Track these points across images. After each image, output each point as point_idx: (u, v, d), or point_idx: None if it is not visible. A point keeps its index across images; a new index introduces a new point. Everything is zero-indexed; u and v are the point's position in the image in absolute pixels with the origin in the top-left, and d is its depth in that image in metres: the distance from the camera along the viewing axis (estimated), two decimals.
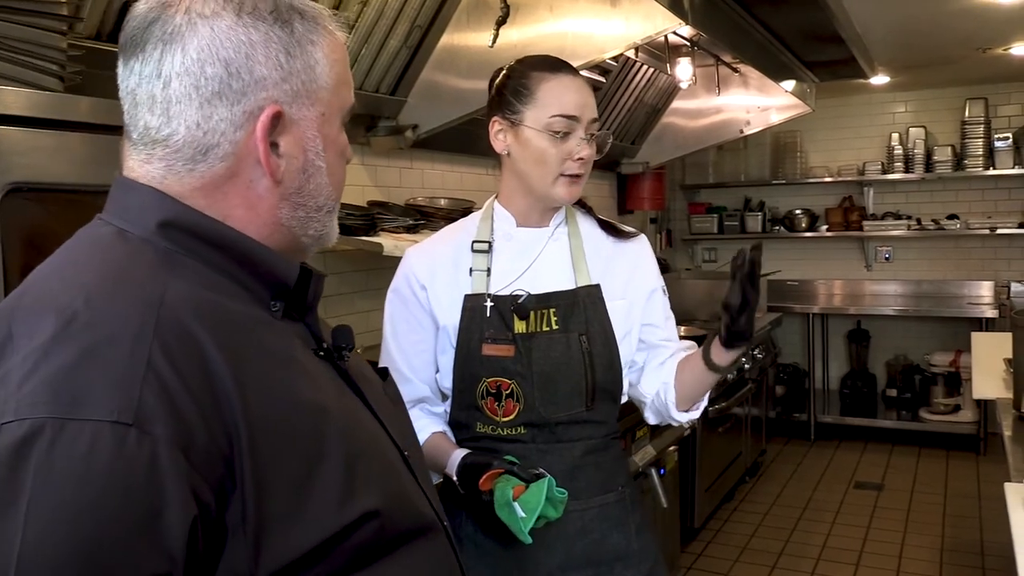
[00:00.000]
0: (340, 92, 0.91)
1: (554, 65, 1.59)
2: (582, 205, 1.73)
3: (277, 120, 0.84)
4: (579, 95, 1.56)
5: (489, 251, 1.63)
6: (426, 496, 0.95)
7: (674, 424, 1.74)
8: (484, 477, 1.44)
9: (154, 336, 0.72)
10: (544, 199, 1.61)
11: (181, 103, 0.81)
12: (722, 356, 1.58)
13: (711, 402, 4.10)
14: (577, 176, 1.57)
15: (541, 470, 1.45)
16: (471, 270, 1.62)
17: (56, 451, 0.66)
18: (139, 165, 0.85)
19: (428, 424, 1.62)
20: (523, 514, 1.38)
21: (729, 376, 4.32)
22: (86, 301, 0.74)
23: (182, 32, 0.81)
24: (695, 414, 1.71)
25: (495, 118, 1.60)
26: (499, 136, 1.59)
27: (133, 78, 0.83)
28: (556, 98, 1.54)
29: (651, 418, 1.74)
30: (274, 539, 0.74)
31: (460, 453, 1.54)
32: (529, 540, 1.39)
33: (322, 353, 0.91)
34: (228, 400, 0.74)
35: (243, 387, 0.75)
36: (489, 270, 1.61)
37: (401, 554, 0.86)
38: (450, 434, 1.64)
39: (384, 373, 1.06)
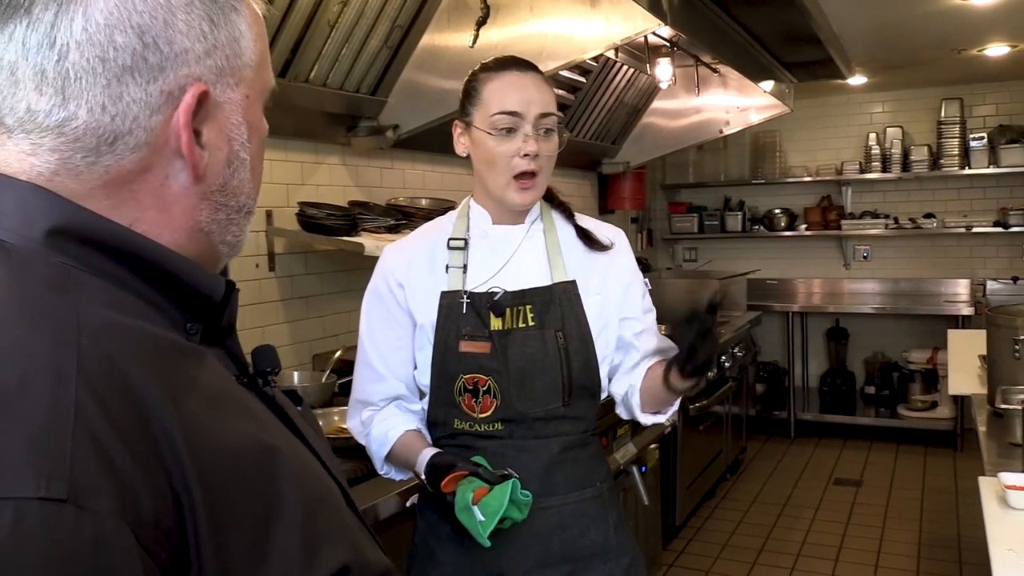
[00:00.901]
0: (262, 72, 0.77)
1: (503, 64, 1.61)
2: (563, 208, 1.73)
3: (202, 103, 0.69)
4: (521, 91, 1.57)
5: (465, 248, 1.64)
6: (374, 538, 0.83)
7: (644, 424, 1.75)
8: (447, 479, 1.44)
9: (78, 377, 0.57)
10: (501, 202, 1.62)
11: (82, 80, 0.64)
12: (680, 382, 1.54)
13: (692, 400, 4.14)
14: (528, 175, 1.57)
15: (509, 471, 1.45)
16: (447, 267, 1.63)
17: None
18: (19, 158, 0.66)
19: (401, 421, 1.63)
20: (482, 518, 1.38)
21: (710, 375, 4.34)
22: None
23: None
24: (660, 418, 1.71)
25: (455, 122, 1.64)
26: (460, 139, 1.63)
27: (13, 47, 0.64)
28: (498, 96, 1.56)
29: (623, 414, 1.76)
30: None
31: (429, 452, 1.54)
32: (488, 544, 1.38)
33: (245, 380, 0.78)
34: (174, 453, 0.59)
35: (187, 434, 0.60)
36: (465, 267, 1.63)
37: None
38: (424, 431, 1.64)
39: (297, 399, 0.90)
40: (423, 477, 1.52)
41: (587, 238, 1.70)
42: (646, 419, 1.70)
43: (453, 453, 1.55)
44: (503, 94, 1.56)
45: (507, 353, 1.57)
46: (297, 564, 0.66)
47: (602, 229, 1.75)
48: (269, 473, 0.67)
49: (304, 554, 0.66)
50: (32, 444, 0.53)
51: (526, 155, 1.55)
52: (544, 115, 1.57)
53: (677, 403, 1.70)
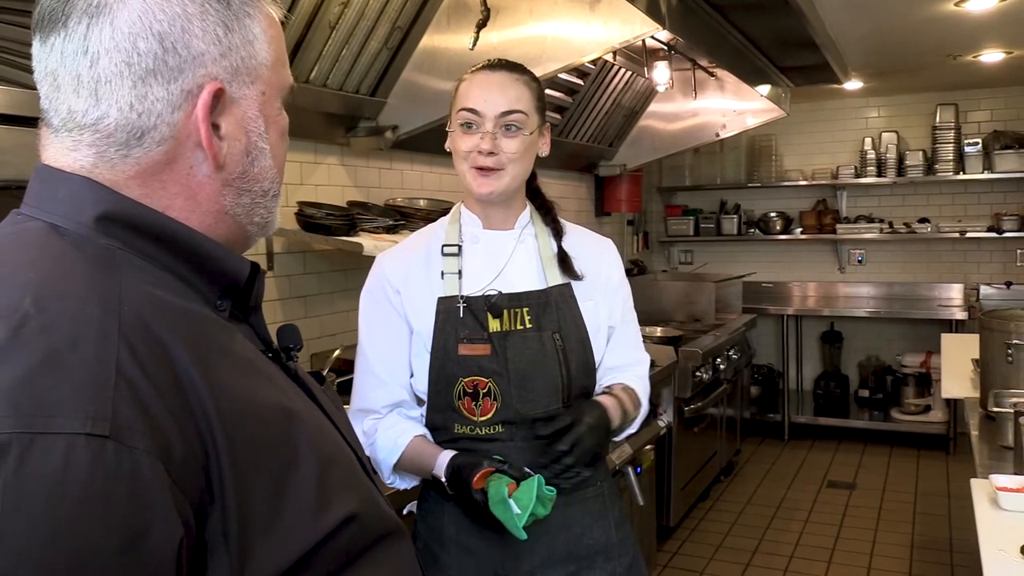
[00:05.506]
0: (279, 70, 0.85)
1: (481, 65, 1.64)
2: (552, 222, 1.73)
3: (218, 99, 0.77)
4: (482, 90, 1.59)
5: (459, 254, 1.65)
6: (385, 499, 0.92)
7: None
8: (477, 476, 1.46)
9: (119, 338, 0.66)
10: (469, 192, 1.64)
11: (111, 83, 0.73)
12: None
13: (686, 402, 4.16)
14: (485, 169, 1.59)
15: (528, 469, 1.47)
16: (443, 273, 1.64)
17: (25, 469, 0.58)
18: (64, 153, 0.76)
19: (408, 428, 1.63)
20: (518, 511, 1.40)
21: (705, 377, 4.36)
22: (35, 302, 0.65)
23: (110, 4, 0.73)
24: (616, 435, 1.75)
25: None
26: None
27: (54, 57, 0.74)
28: (464, 94, 1.61)
29: None
30: (259, 553, 0.70)
31: (448, 454, 1.55)
32: (524, 536, 1.41)
33: (270, 355, 0.87)
34: (201, 406, 0.68)
35: (214, 392, 0.69)
36: (460, 272, 1.64)
37: (372, 557, 0.82)
38: (430, 437, 1.65)
39: (321, 378, 0.99)
40: (444, 479, 1.53)
41: (563, 263, 1.68)
42: None
43: (472, 453, 1.56)
44: (467, 92, 1.60)
45: (506, 354, 1.58)
46: (311, 508, 0.75)
47: (590, 240, 1.77)
48: (287, 431, 0.76)
49: (317, 501, 0.75)
50: (81, 392, 0.62)
51: (480, 151, 1.57)
52: (505, 113, 1.58)
53: (634, 424, 1.73)
